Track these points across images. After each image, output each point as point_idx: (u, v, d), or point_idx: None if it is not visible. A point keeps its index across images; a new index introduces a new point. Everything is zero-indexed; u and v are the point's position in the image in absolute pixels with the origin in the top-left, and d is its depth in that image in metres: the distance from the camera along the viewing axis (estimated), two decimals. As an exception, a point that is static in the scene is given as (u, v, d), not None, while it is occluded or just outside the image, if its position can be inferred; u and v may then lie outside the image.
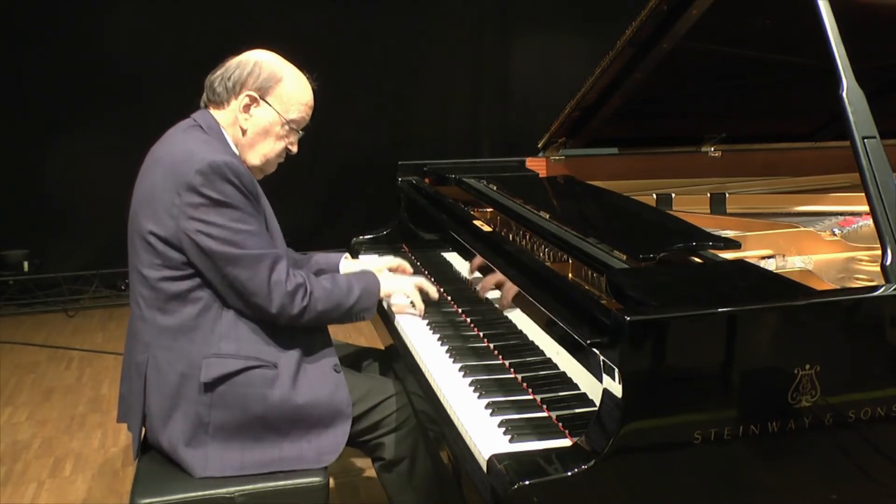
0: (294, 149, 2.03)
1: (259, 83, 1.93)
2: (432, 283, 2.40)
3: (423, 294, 2.15)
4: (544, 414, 1.55)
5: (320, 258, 2.37)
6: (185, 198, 1.77)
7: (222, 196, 1.78)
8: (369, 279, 2.05)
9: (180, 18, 4.93)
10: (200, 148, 1.84)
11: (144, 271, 1.84)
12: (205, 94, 1.99)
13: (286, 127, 1.98)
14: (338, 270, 2.31)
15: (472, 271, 2.20)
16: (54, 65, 4.82)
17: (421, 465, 1.99)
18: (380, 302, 2.12)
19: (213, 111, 1.97)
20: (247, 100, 1.93)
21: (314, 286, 1.90)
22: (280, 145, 2.00)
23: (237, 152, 1.96)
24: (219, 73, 1.97)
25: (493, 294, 2.04)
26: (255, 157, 1.98)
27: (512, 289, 1.90)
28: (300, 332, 1.93)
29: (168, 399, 1.83)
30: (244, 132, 1.96)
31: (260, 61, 1.96)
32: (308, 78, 2.03)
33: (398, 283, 2.16)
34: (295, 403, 1.85)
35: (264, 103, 1.94)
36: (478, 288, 2.11)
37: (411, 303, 2.15)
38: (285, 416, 1.84)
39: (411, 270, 2.36)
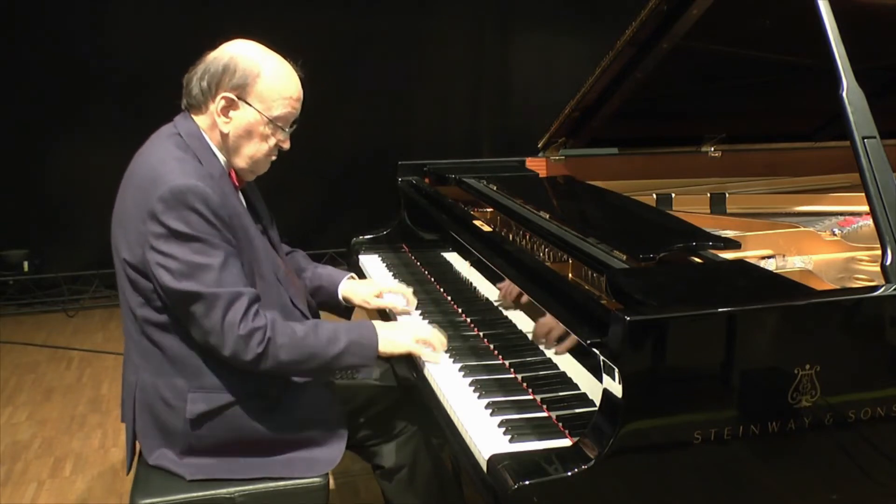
0: (286, 146, 1.85)
1: (235, 82, 1.74)
2: (433, 283, 2.41)
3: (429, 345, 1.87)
4: (544, 414, 1.55)
5: (323, 274, 2.20)
6: (148, 226, 1.66)
7: (184, 226, 1.64)
8: (364, 331, 1.81)
9: (180, 18, 4.92)
10: (168, 168, 1.69)
11: (126, 296, 1.77)
12: (183, 96, 1.83)
13: (270, 126, 1.79)
14: (336, 291, 2.17)
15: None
16: (54, 64, 4.82)
17: (422, 473, 1.96)
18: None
19: (193, 115, 1.81)
20: (223, 102, 1.75)
21: (279, 332, 1.69)
22: (267, 145, 1.82)
23: (221, 158, 1.82)
24: (195, 71, 1.79)
25: (494, 294, 2.04)
26: (241, 161, 1.82)
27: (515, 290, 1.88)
28: None
29: (158, 427, 1.79)
30: (225, 136, 1.79)
31: (236, 55, 1.76)
32: (293, 66, 1.83)
33: (401, 343, 1.85)
34: (286, 428, 1.78)
35: (243, 103, 1.76)
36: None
37: (422, 318, 2.04)
38: (275, 441, 1.79)
39: (414, 301, 2.17)
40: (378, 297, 2.17)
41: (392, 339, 1.83)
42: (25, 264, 5.01)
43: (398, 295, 2.18)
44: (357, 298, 2.17)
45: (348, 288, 2.18)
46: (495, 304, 2.01)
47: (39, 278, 5.05)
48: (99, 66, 4.88)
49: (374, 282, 2.25)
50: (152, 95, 4.84)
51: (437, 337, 1.87)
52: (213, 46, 1.86)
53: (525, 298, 1.80)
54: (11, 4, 4.70)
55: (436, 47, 5.60)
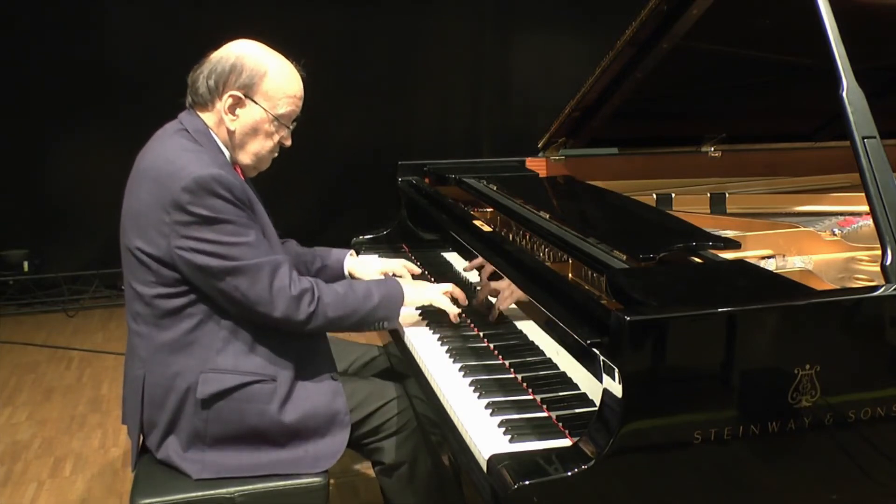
0: (287, 142, 1.94)
1: (242, 81, 1.82)
2: (433, 283, 2.40)
3: (453, 299, 2.03)
4: (544, 414, 1.55)
5: (324, 254, 2.31)
6: (174, 216, 1.71)
7: (213, 212, 1.71)
8: (391, 286, 1.97)
9: (180, 18, 4.93)
10: (186, 160, 1.75)
11: (138, 287, 1.80)
12: (189, 95, 1.89)
13: (275, 123, 1.88)
14: (342, 267, 2.28)
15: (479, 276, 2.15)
16: (54, 64, 4.82)
17: (421, 469, 1.97)
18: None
19: (199, 112, 1.88)
20: (230, 100, 1.83)
21: (323, 291, 1.84)
22: (271, 142, 1.90)
23: (227, 154, 1.89)
24: (200, 70, 1.86)
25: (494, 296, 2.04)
26: (246, 157, 1.90)
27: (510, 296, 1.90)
28: (298, 342, 1.89)
29: (166, 414, 1.81)
30: (232, 133, 1.87)
31: (242, 55, 1.84)
32: (295, 66, 1.91)
33: (424, 293, 2.02)
34: (293, 416, 1.82)
35: (250, 102, 1.84)
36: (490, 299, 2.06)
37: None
38: (283, 428, 1.82)
39: (417, 271, 2.30)
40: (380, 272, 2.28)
41: (415, 291, 2.00)
42: (25, 264, 5.01)
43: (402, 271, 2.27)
44: (359, 273, 2.27)
45: (352, 264, 2.30)
46: (494, 302, 2.02)
47: (39, 278, 5.05)
48: (99, 67, 4.88)
49: (376, 259, 2.36)
50: (152, 95, 4.83)
51: (457, 290, 2.04)
52: (215, 46, 1.90)
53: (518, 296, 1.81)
54: (12, 4, 4.70)
55: (436, 47, 5.60)
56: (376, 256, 2.73)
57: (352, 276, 2.27)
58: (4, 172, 4.90)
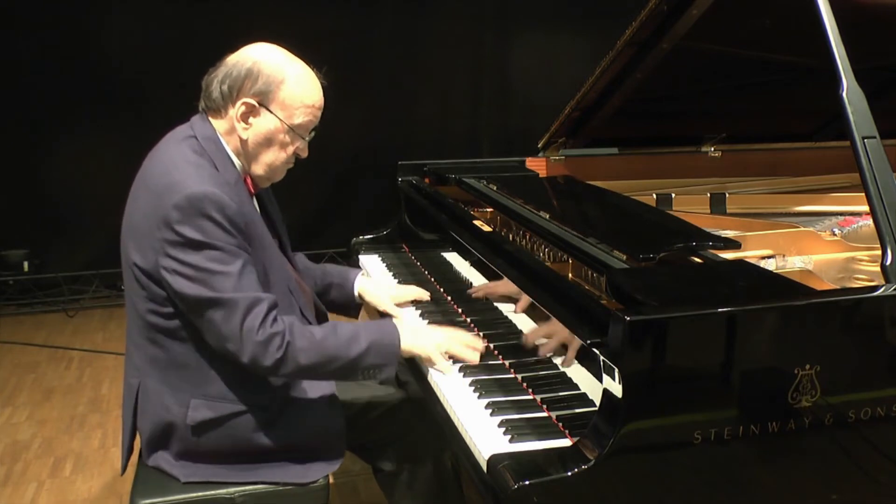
0: (304, 154, 1.83)
1: (258, 88, 1.72)
2: (433, 283, 2.40)
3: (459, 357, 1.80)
4: (544, 414, 1.55)
5: (333, 272, 2.19)
6: (163, 233, 1.63)
7: (199, 234, 1.61)
8: (386, 331, 1.77)
9: (181, 18, 4.92)
10: (184, 173, 1.66)
11: (134, 300, 1.74)
12: (202, 99, 1.80)
13: (291, 134, 1.77)
14: (352, 287, 2.16)
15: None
16: (54, 64, 4.81)
17: (421, 476, 1.96)
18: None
19: (211, 118, 1.79)
20: (244, 108, 1.73)
21: (297, 336, 1.66)
22: (285, 153, 1.80)
23: (237, 164, 1.80)
24: (215, 74, 1.77)
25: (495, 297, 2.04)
26: (258, 168, 1.80)
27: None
28: None
29: (156, 428, 1.77)
30: (244, 142, 1.77)
31: (259, 61, 1.73)
32: (316, 73, 1.82)
33: (425, 344, 1.79)
34: (286, 442, 1.76)
35: (265, 110, 1.74)
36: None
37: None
38: (275, 450, 1.77)
39: (427, 296, 2.13)
40: (393, 299, 2.12)
41: (414, 340, 1.79)
42: (25, 264, 5.00)
43: (409, 308, 2.10)
44: (370, 295, 2.13)
45: (363, 284, 2.15)
46: (494, 303, 2.02)
47: (39, 278, 5.04)
48: (99, 67, 4.87)
49: (388, 283, 2.16)
50: (152, 96, 4.87)
51: (460, 340, 1.80)
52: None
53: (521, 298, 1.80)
54: (12, 4, 4.70)
55: (436, 47, 5.59)
56: (377, 258, 2.73)
57: (362, 298, 2.15)
58: (4, 172, 4.89)
